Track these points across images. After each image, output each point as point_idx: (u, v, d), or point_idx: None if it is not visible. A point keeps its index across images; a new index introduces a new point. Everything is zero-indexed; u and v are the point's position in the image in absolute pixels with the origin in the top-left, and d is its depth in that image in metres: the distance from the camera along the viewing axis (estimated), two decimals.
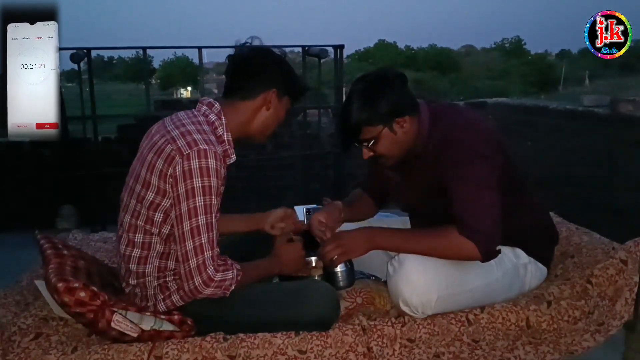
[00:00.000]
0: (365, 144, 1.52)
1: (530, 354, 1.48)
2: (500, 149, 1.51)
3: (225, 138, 1.45)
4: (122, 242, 1.44)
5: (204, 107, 1.47)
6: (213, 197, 1.34)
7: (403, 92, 1.51)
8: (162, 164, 1.34)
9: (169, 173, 1.33)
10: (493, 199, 1.43)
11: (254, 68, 1.48)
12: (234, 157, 1.47)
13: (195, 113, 1.47)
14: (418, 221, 1.75)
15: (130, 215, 1.41)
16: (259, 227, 1.74)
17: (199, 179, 1.31)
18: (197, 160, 1.31)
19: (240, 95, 1.48)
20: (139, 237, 1.41)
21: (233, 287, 1.37)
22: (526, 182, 1.65)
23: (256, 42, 1.52)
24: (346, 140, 1.55)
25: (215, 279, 1.34)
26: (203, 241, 1.32)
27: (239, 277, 1.38)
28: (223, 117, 1.46)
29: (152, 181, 1.36)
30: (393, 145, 1.52)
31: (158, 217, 1.38)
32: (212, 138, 1.39)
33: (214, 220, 1.35)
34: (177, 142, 1.34)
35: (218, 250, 1.36)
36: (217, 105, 1.47)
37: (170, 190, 1.34)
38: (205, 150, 1.33)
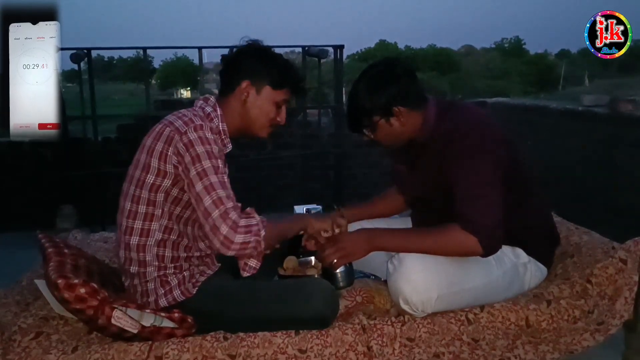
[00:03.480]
0: (365, 129, 1.59)
1: (530, 353, 1.48)
2: (505, 146, 1.52)
3: (221, 128, 1.50)
4: (122, 230, 1.46)
5: (201, 102, 1.54)
6: (219, 161, 1.38)
7: (406, 86, 1.55)
8: (162, 145, 1.39)
9: (169, 153, 1.38)
10: (495, 194, 1.44)
11: (229, 63, 1.55)
12: (229, 146, 1.52)
13: (192, 108, 1.52)
14: (420, 216, 1.75)
15: (130, 201, 1.43)
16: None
17: (201, 146, 1.37)
18: (194, 133, 1.38)
19: (225, 91, 1.54)
20: (138, 224, 1.43)
21: (264, 233, 1.37)
22: (531, 181, 1.65)
23: (245, 41, 1.57)
24: (349, 125, 1.63)
25: (240, 224, 1.33)
26: (220, 195, 1.34)
27: (264, 223, 1.39)
28: (218, 109, 1.51)
29: (152, 164, 1.40)
30: (389, 136, 1.59)
31: (160, 197, 1.41)
32: (207, 123, 1.44)
33: (225, 179, 1.38)
34: (175, 123, 1.41)
35: (239, 205, 1.38)
36: (212, 98, 1.54)
37: (173, 168, 1.38)
38: (201, 124, 1.40)
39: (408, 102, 1.54)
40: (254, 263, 1.46)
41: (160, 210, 1.42)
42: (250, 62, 1.52)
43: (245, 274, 1.47)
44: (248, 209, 1.42)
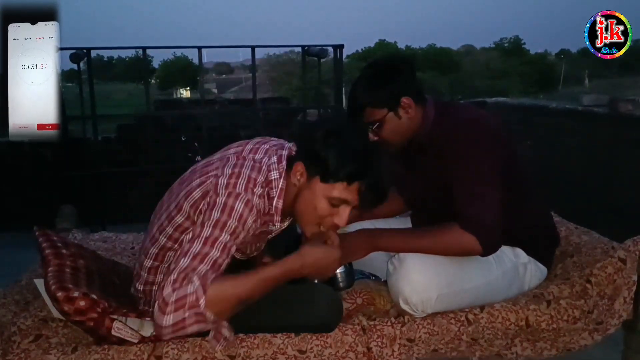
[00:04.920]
0: (370, 126, 1.55)
1: (527, 349, 1.49)
2: (505, 145, 1.52)
3: (275, 203, 1.31)
4: (142, 249, 1.44)
5: (274, 159, 1.32)
6: (224, 234, 1.20)
7: (410, 79, 1.56)
8: (199, 195, 1.28)
9: (201, 206, 1.26)
10: (495, 193, 1.44)
11: (305, 134, 1.34)
12: (277, 225, 1.35)
13: (265, 160, 1.31)
14: (420, 216, 1.76)
15: (157, 228, 1.38)
16: None
17: (218, 212, 1.21)
18: (224, 198, 1.22)
19: (292, 158, 1.33)
20: (154, 249, 1.38)
21: (203, 302, 1.15)
22: (529, 181, 1.65)
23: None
24: (353, 122, 1.57)
25: (170, 300, 1.13)
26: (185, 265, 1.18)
27: (206, 288, 1.15)
28: (282, 180, 1.30)
29: (184, 207, 1.30)
30: (396, 131, 1.55)
31: (185, 238, 1.32)
32: (259, 191, 1.26)
33: (214, 255, 1.19)
34: (220, 179, 1.25)
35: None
36: (283, 163, 1.31)
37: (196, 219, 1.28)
38: (238, 194, 1.22)
39: (414, 94, 1.54)
40: (227, 333, 1.27)
41: (180, 247, 1.33)
42: (311, 142, 1.28)
43: (219, 347, 1.27)
44: (187, 277, 1.16)
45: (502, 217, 1.44)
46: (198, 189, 1.29)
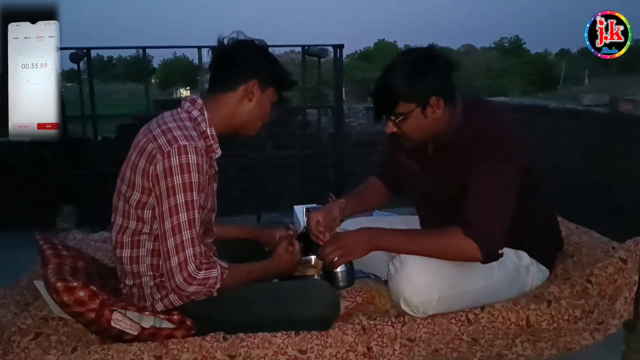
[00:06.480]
0: (393, 118, 1.50)
1: (528, 349, 1.49)
2: (525, 153, 1.50)
3: (209, 133, 1.44)
4: (114, 245, 1.45)
5: (187, 104, 1.47)
6: (194, 193, 1.33)
7: (446, 78, 1.50)
8: (145, 163, 1.35)
9: (151, 172, 1.34)
10: (508, 203, 1.41)
11: (234, 59, 1.47)
12: (219, 152, 1.47)
13: (179, 110, 1.47)
14: (428, 212, 1.73)
15: (120, 216, 1.42)
16: (253, 237, 1.78)
17: (179, 176, 1.31)
18: (177, 157, 1.31)
19: (221, 88, 1.47)
20: (127, 238, 1.41)
21: (219, 286, 1.36)
22: (541, 186, 1.63)
23: (241, 37, 1.50)
24: (377, 110, 1.53)
25: (197, 277, 1.32)
26: (185, 238, 1.32)
27: (224, 276, 1.37)
28: (206, 112, 1.45)
29: (136, 181, 1.37)
30: (419, 128, 1.50)
31: (147, 214, 1.39)
32: (194, 134, 1.38)
33: (196, 216, 1.34)
34: (158, 140, 1.35)
35: (202, 248, 1.35)
36: (199, 101, 1.47)
37: (153, 188, 1.35)
38: (185, 146, 1.33)
39: (445, 95, 1.48)
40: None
41: (149, 227, 1.40)
42: (258, 60, 1.47)
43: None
44: (211, 260, 1.37)
45: (507, 225, 1.41)
46: (141, 159, 1.35)
